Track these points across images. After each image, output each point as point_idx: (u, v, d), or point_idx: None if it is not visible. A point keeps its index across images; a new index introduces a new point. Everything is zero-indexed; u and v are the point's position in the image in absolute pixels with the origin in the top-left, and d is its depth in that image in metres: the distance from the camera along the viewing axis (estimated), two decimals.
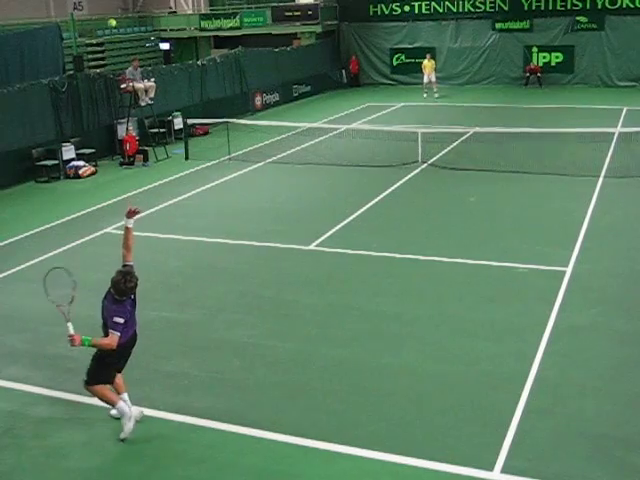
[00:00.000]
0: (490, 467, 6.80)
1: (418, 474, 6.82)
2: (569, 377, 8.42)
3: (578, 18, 32.63)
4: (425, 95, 31.52)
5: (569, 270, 11.51)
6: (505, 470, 6.76)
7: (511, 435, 7.27)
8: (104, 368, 7.48)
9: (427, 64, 31.48)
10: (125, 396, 7.70)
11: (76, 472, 7.05)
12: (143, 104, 21.50)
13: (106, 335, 7.32)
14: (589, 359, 8.83)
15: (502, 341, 9.34)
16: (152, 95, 21.76)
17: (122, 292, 7.24)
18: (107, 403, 7.57)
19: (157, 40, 37.48)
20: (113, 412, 7.70)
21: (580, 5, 32.56)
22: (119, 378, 7.74)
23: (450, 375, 8.53)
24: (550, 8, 33.02)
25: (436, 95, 31.31)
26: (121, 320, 7.21)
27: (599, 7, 32.26)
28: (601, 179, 16.94)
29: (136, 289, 7.38)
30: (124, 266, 7.51)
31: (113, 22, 30.59)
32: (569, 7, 32.72)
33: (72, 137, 20.66)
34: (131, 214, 7.77)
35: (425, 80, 31.57)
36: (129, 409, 7.50)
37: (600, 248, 12.59)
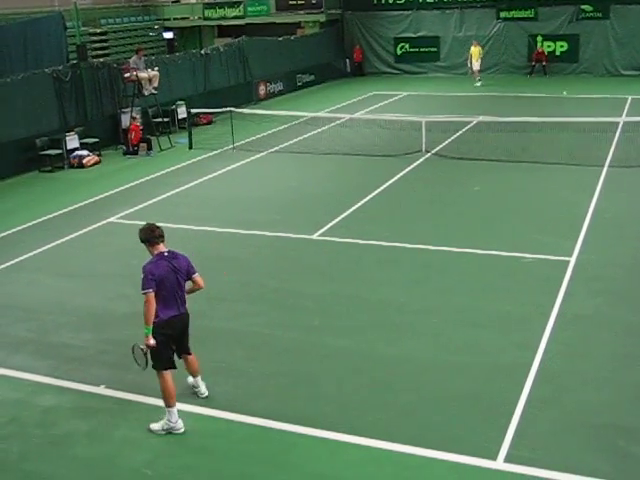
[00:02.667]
0: (494, 456, 6.82)
1: (422, 463, 6.84)
2: (573, 367, 8.43)
3: (583, 7, 32.43)
4: (478, 84, 31.14)
5: (573, 260, 11.50)
6: (508, 459, 6.78)
7: (514, 425, 7.28)
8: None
9: (474, 50, 31.22)
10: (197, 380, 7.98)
11: (81, 460, 7.08)
12: (147, 93, 21.46)
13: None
14: (593, 349, 8.83)
15: (506, 331, 9.34)
16: (156, 84, 21.71)
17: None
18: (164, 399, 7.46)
19: (161, 29, 37.37)
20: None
21: None
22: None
23: (454, 365, 8.53)
24: None
25: (478, 84, 31.04)
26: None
27: None
28: (605, 169, 16.88)
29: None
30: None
31: None
32: None
33: (76, 126, 20.67)
34: None
35: (474, 68, 31.33)
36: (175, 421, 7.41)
37: (604, 238, 12.56)
